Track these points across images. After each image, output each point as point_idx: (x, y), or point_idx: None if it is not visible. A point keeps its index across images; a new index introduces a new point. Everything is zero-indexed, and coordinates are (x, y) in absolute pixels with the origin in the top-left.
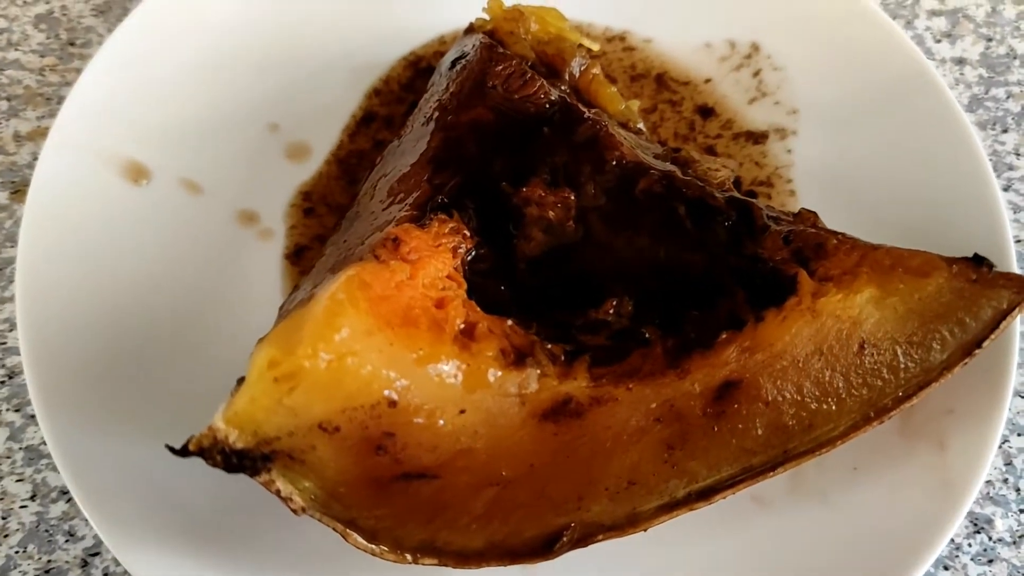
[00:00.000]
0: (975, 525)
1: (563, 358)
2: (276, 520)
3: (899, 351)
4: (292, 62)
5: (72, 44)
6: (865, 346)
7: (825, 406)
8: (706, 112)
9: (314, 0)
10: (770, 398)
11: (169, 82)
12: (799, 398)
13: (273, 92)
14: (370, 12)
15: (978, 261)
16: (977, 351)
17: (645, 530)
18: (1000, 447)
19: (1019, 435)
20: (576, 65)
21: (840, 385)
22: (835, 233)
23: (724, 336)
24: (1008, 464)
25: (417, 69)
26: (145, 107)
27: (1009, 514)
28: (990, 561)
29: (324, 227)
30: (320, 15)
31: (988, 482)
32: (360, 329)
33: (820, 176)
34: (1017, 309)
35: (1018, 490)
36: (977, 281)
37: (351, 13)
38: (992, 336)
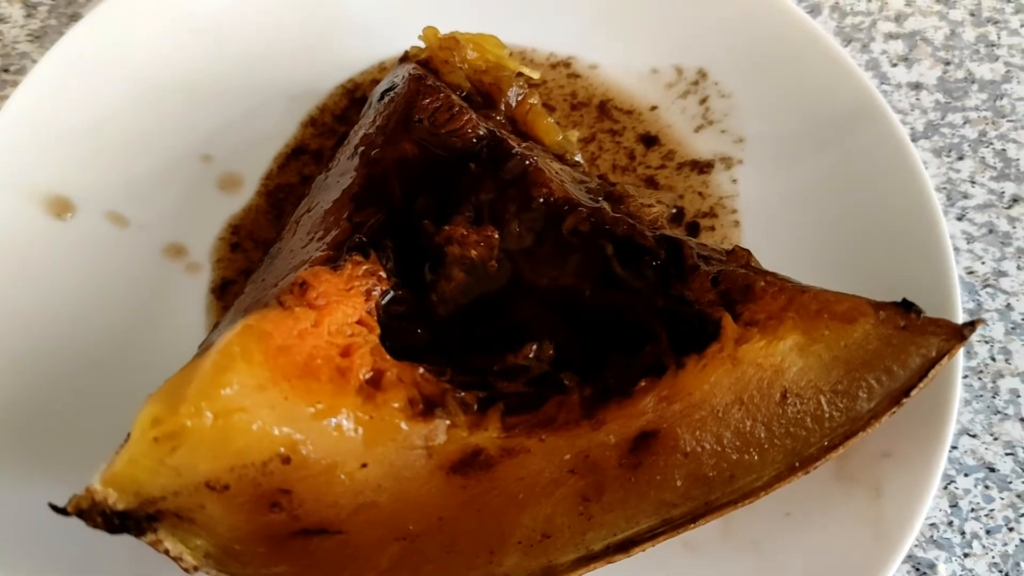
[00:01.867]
0: (917, 570)
1: (476, 407)
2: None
3: (823, 400)
4: (228, 91)
5: (6, 71)
6: (788, 395)
7: (747, 456)
8: (649, 141)
9: (252, 27)
10: (688, 449)
11: (98, 113)
12: (719, 448)
13: (207, 122)
14: (309, 38)
15: (907, 307)
16: (905, 400)
17: None
18: (945, 488)
19: (966, 475)
20: (513, 95)
21: (762, 435)
22: (765, 274)
23: (643, 384)
24: (954, 506)
25: (352, 99)
26: (71, 139)
27: (953, 559)
28: None
29: (250, 261)
30: (258, 42)
31: (932, 524)
32: (251, 384)
33: (766, 206)
34: (946, 357)
35: (963, 533)
36: (906, 328)
37: (289, 40)
38: (921, 385)
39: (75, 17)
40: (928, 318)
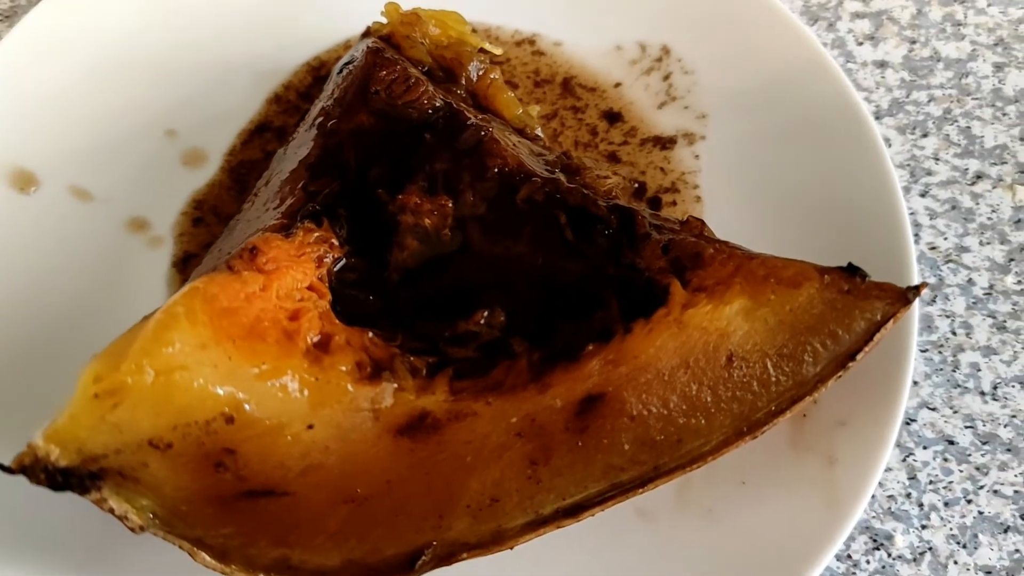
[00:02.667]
0: (875, 541)
1: (425, 371)
2: (135, 538)
3: (769, 364)
4: (193, 67)
5: None
6: (734, 359)
7: (694, 420)
8: (612, 117)
9: (219, 3)
10: (635, 412)
11: (63, 87)
12: (666, 412)
13: (172, 97)
14: (275, 15)
15: (851, 271)
16: (851, 364)
17: (512, 548)
18: (904, 460)
19: (925, 448)
20: (474, 69)
21: (709, 399)
22: (715, 242)
23: (590, 348)
24: (912, 478)
25: (316, 76)
26: (36, 113)
27: (910, 530)
28: None
29: (213, 236)
30: (225, 18)
31: (890, 496)
32: (193, 343)
33: (727, 182)
34: (892, 321)
35: (921, 505)
36: (850, 292)
37: (256, 16)
38: (866, 348)
39: None
40: (873, 282)
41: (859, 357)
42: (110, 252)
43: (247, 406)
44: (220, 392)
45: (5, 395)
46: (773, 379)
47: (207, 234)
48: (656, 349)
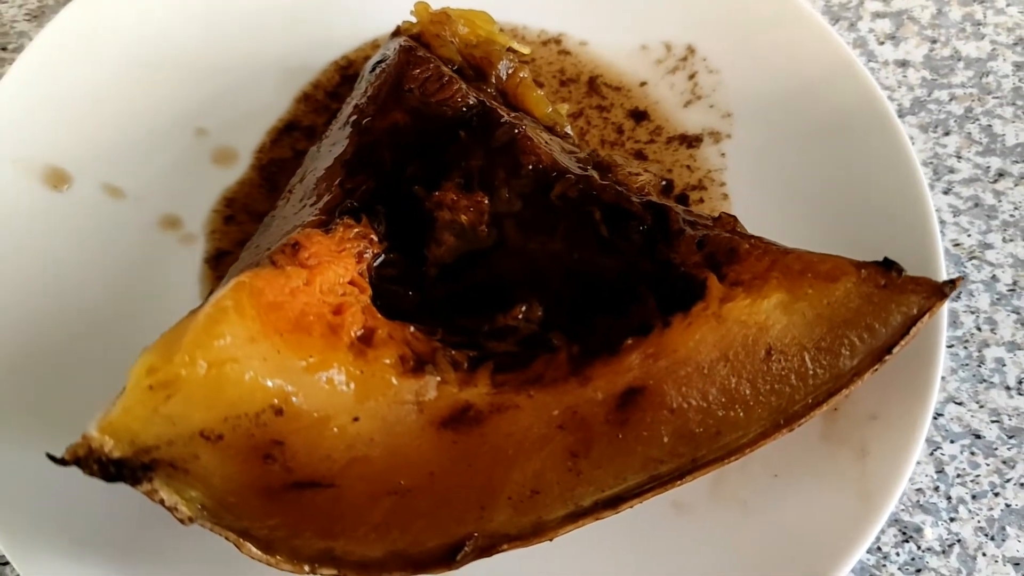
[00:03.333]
0: (904, 534)
1: (466, 365)
2: (178, 529)
3: (807, 357)
4: (222, 66)
5: (4, 49)
6: (772, 352)
7: (733, 413)
8: (639, 116)
9: (248, 2)
10: (675, 405)
11: (95, 86)
12: (705, 405)
13: (202, 96)
14: (303, 15)
15: (887, 265)
16: (888, 357)
17: (551, 539)
18: (932, 454)
19: (952, 442)
20: (503, 68)
21: (747, 392)
22: (749, 237)
23: (629, 342)
24: (940, 472)
25: (344, 75)
26: (69, 112)
27: (939, 523)
28: (918, 571)
29: (245, 233)
30: (254, 17)
31: (919, 490)
32: (243, 336)
33: (754, 179)
34: (927, 315)
35: (949, 498)
36: (886, 286)
37: (284, 15)
38: (902, 342)
39: None
40: (909, 276)
41: (896, 351)
42: (143, 249)
43: (295, 399)
44: (270, 384)
45: (44, 390)
46: (811, 372)
47: (239, 231)
48: (696, 342)
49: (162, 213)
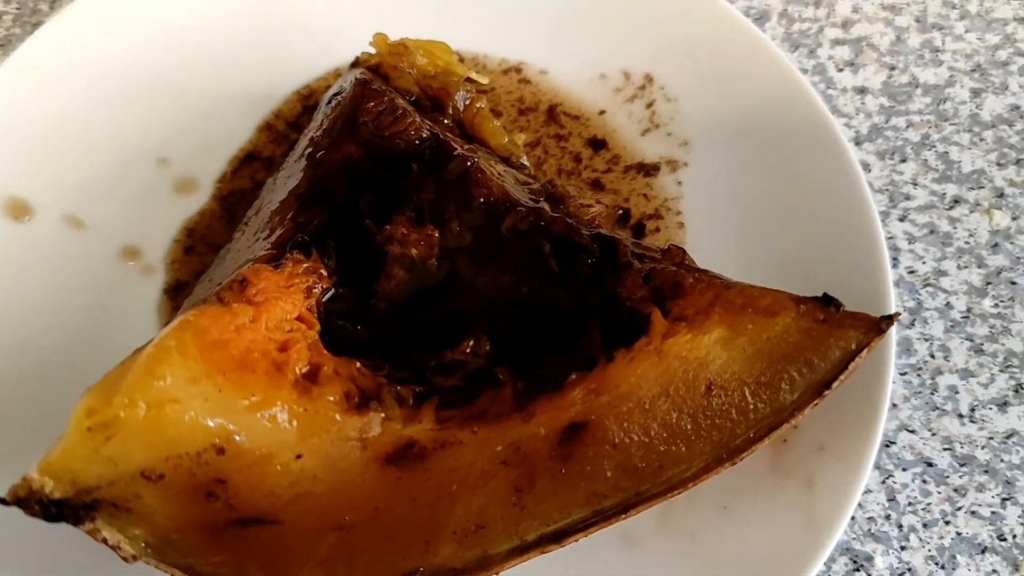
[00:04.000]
0: (855, 563)
1: (411, 401)
2: (123, 568)
3: (747, 392)
4: (185, 95)
5: None
6: (713, 387)
7: (675, 448)
8: (597, 144)
9: (210, 31)
10: (617, 440)
11: (56, 117)
12: (647, 440)
13: (164, 125)
14: (267, 43)
15: (826, 301)
16: (827, 392)
17: (497, 573)
18: (883, 482)
19: (904, 470)
20: (460, 99)
21: (689, 427)
22: (695, 271)
23: (573, 377)
24: (891, 500)
25: (306, 105)
26: (30, 143)
27: (890, 551)
28: None
29: (204, 264)
30: (216, 46)
31: (870, 518)
32: (185, 376)
33: (709, 208)
34: (865, 350)
35: (900, 527)
36: (825, 321)
37: (247, 45)
38: (841, 376)
39: (39, 26)
40: (848, 312)
41: (835, 385)
42: (103, 280)
43: (237, 437)
44: (211, 424)
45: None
46: (751, 407)
47: (198, 263)
48: (637, 378)
49: (123, 244)
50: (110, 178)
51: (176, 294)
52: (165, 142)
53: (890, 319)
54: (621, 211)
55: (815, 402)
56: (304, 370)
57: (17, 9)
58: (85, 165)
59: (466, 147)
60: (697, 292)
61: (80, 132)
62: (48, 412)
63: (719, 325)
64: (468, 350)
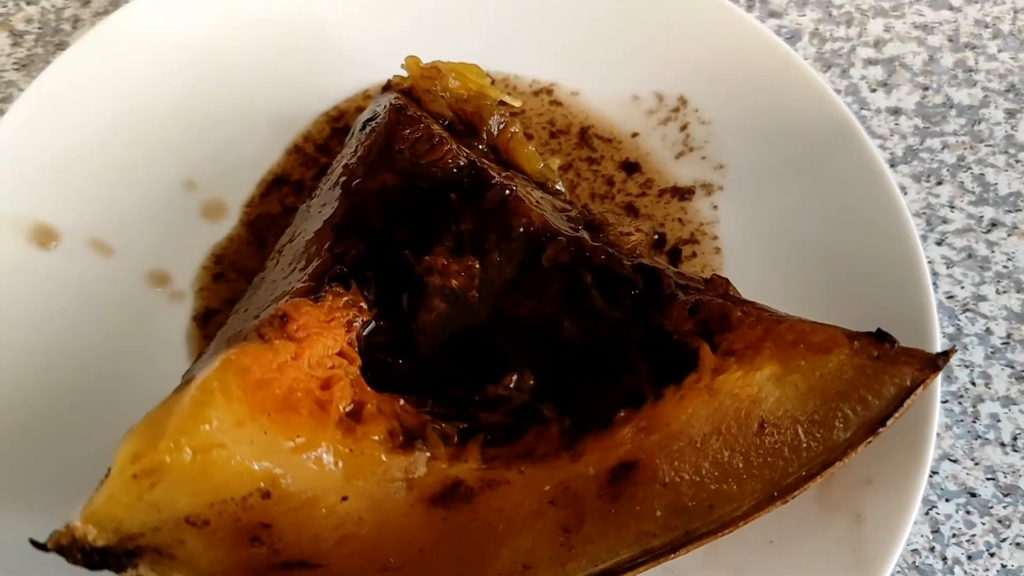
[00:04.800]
0: None
1: (456, 438)
2: None
3: (800, 430)
4: (212, 117)
5: None
6: (765, 425)
7: (726, 486)
8: (630, 168)
9: (237, 53)
10: (667, 479)
11: (81, 141)
12: (698, 479)
13: (191, 148)
14: (294, 65)
15: (880, 337)
16: (881, 429)
17: None
18: (927, 514)
19: (947, 500)
20: (495, 123)
21: (740, 465)
22: (742, 303)
23: (621, 415)
24: (935, 532)
25: (335, 128)
26: (56, 167)
27: None
28: None
29: (234, 291)
30: (243, 68)
31: (914, 550)
32: (230, 419)
33: (746, 232)
34: (920, 387)
35: (944, 559)
36: (880, 358)
37: (274, 67)
38: (896, 414)
39: (62, 46)
40: (902, 348)
41: (889, 423)
42: (130, 307)
43: (283, 480)
44: (256, 468)
45: (30, 450)
46: (804, 445)
47: (228, 290)
48: (688, 416)
49: (150, 269)
50: (137, 202)
51: (205, 322)
52: (192, 165)
53: (946, 355)
54: (656, 236)
55: (869, 440)
56: (348, 408)
57: (39, 29)
58: (111, 189)
59: (503, 174)
60: (746, 326)
61: (106, 156)
62: (76, 443)
63: (770, 361)
64: (512, 385)
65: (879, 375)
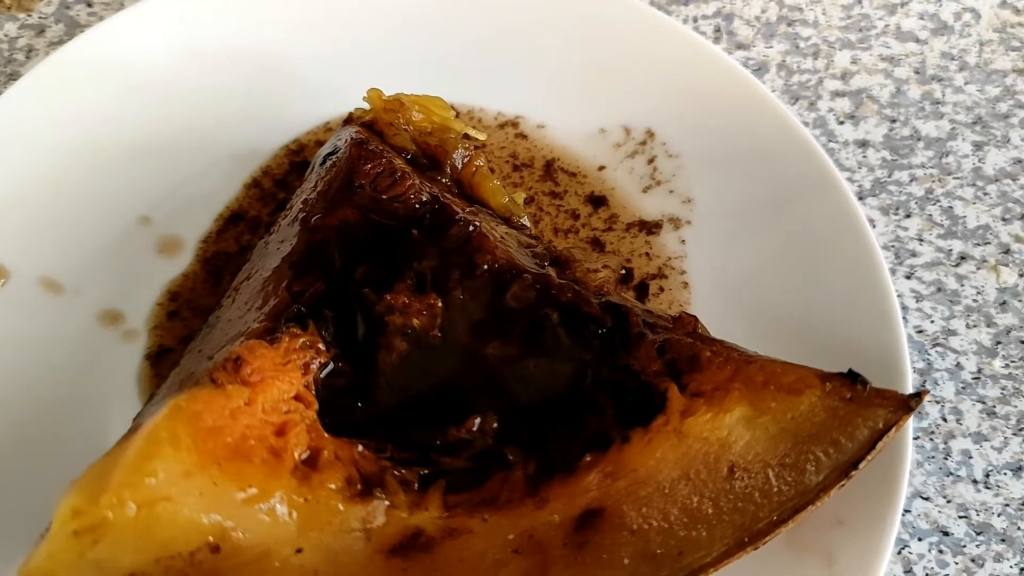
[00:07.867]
0: None
1: (416, 485)
2: None
3: (771, 474)
4: (168, 151)
5: None
6: (735, 469)
7: (695, 533)
8: (596, 201)
9: (194, 85)
10: (635, 526)
11: (33, 174)
12: (666, 525)
13: (146, 183)
14: (253, 97)
15: (852, 378)
16: (854, 472)
17: None
18: (899, 553)
19: (919, 539)
20: (459, 157)
21: (710, 511)
22: (711, 342)
23: (587, 459)
24: (908, 572)
25: (294, 162)
26: (4, 203)
27: None
28: None
29: (189, 329)
30: (200, 100)
31: None
32: (178, 471)
33: (714, 267)
34: (893, 429)
35: None
36: (852, 399)
37: (233, 98)
38: (869, 457)
39: (14, 76)
40: (875, 389)
41: (861, 466)
42: (81, 347)
43: (234, 534)
44: (205, 521)
45: None
46: (775, 489)
47: (183, 327)
48: (656, 461)
49: (103, 308)
50: (90, 238)
51: (158, 360)
52: (147, 200)
53: (919, 396)
54: (624, 271)
55: (842, 483)
56: (303, 455)
57: None
58: (63, 225)
59: (467, 209)
60: (715, 366)
61: (58, 190)
62: (19, 493)
63: (740, 403)
64: (475, 428)
65: (851, 417)
